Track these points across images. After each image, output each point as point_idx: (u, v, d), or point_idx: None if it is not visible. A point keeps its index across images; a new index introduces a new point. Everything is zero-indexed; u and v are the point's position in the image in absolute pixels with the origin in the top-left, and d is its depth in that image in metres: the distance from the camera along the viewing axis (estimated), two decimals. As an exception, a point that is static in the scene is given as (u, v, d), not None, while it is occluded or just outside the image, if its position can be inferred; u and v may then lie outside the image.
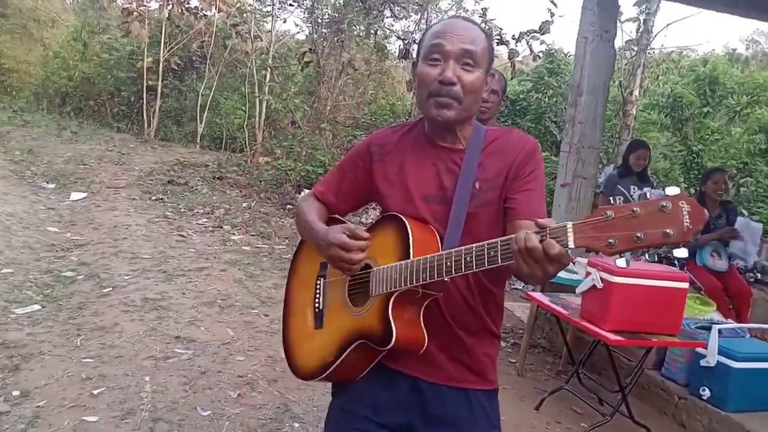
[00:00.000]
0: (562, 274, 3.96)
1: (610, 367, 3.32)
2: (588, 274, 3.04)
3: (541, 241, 1.05)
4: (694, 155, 10.03)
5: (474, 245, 1.17)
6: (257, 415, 2.98)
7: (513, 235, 1.10)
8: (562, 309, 3.27)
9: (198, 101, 12.23)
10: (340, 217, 1.57)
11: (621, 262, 1.01)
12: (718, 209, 4.60)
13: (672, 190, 0.95)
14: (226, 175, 9.38)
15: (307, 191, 7.69)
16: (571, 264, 4.14)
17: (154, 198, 7.67)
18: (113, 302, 4.16)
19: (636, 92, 7.80)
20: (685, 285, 2.94)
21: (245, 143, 11.32)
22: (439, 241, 1.34)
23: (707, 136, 10.37)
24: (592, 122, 4.53)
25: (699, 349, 3.18)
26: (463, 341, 1.39)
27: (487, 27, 9.23)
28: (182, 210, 7.26)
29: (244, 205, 7.93)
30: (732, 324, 3.59)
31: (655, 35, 8.15)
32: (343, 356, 1.39)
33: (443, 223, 1.35)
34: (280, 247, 6.34)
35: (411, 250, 1.29)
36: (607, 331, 2.86)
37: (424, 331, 1.33)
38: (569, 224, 1.04)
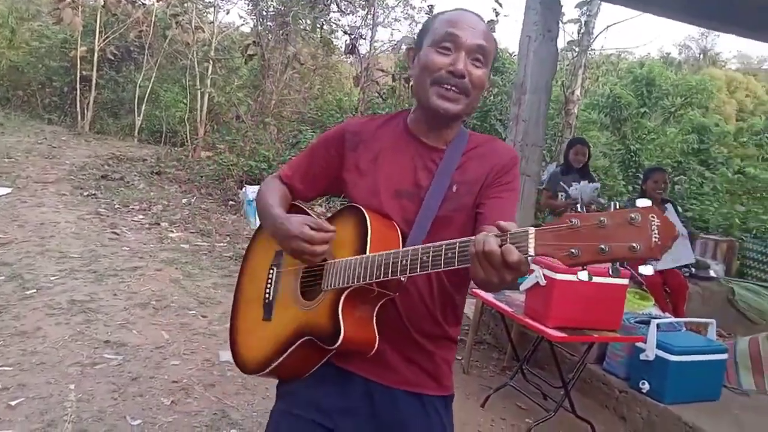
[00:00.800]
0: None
1: (553, 362, 3.33)
2: (531, 271, 3.03)
3: (500, 246, 0.98)
4: (632, 154, 10.38)
5: (432, 245, 1.11)
6: (192, 423, 2.83)
7: (472, 237, 1.04)
8: (506, 306, 3.26)
9: (136, 93, 11.72)
10: (302, 205, 1.51)
11: (647, 270, 0.96)
12: (661, 208, 4.72)
13: (642, 202, 0.90)
14: (165, 170, 9.01)
15: (249, 187, 7.45)
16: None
17: (86, 194, 7.27)
18: (37, 305, 3.88)
19: (577, 92, 7.96)
20: (626, 281, 2.98)
21: (186, 137, 10.92)
22: (401, 240, 1.28)
23: (644, 136, 10.76)
24: (536, 120, 4.56)
25: (639, 344, 3.24)
26: (420, 345, 1.34)
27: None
28: (117, 206, 6.91)
29: (184, 201, 7.63)
30: (669, 318, 3.68)
31: (596, 37, 8.33)
32: (289, 351, 1.31)
33: (411, 222, 1.30)
34: (221, 245, 6.12)
35: (368, 246, 1.23)
36: (550, 328, 2.86)
37: (376, 332, 1.27)
38: (531, 230, 0.97)
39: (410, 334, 1.33)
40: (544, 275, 2.92)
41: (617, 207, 0.92)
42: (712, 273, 5.18)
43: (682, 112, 11.01)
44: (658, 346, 3.18)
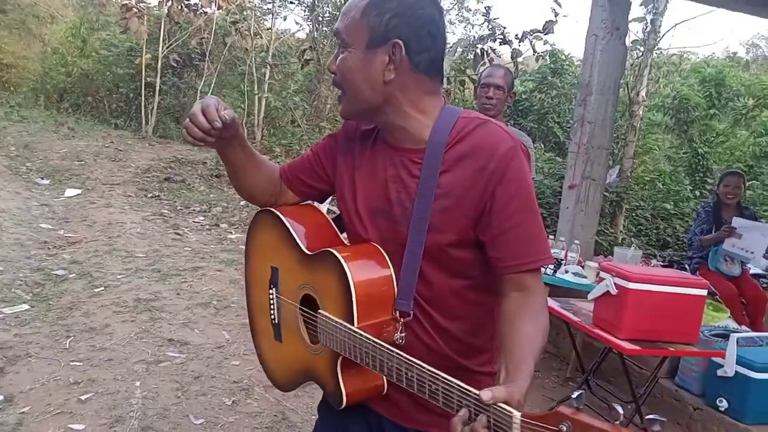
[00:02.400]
0: (570, 278, 3.84)
1: (620, 374, 3.18)
2: (601, 279, 2.89)
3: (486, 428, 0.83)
4: (700, 157, 9.91)
5: (428, 369, 0.94)
6: (253, 424, 2.84)
7: (470, 390, 0.87)
8: (572, 315, 3.12)
9: (197, 98, 12.07)
10: (317, 205, 1.40)
11: None
12: (734, 213, 4.43)
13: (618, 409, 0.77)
14: (224, 173, 9.19)
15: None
16: (579, 268, 4.01)
17: (150, 195, 7.52)
18: (105, 302, 4.01)
19: (642, 93, 7.65)
20: (704, 292, 2.79)
21: (244, 141, 11.17)
22: (395, 289, 1.11)
23: (712, 139, 10.26)
24: (602, 122, 4.39)
25: (716, 359, 3.04)
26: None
27: (489, 26, 9.08)
28: (179, 208, 7.12)
29: (242, 203, 7.77)
30: (750, 332, 3.45)
31: (663, 35, 7.99)
32: (299, 386, 1.33)
33: (390, 243, 1.13)
34: (279, 246, 6.19)
35: (355, 315, 1.07)
36: (622, 340, 2.71)
37: (384, 378, 1.13)
38: (517, 416, 0.80)
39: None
40: (615, 284, 2.78)
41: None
42: (793, 284, 4.85)
43: (754, 113, 10.42)
44: (738, 362, 2.98)
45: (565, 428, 0.76)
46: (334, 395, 1.15)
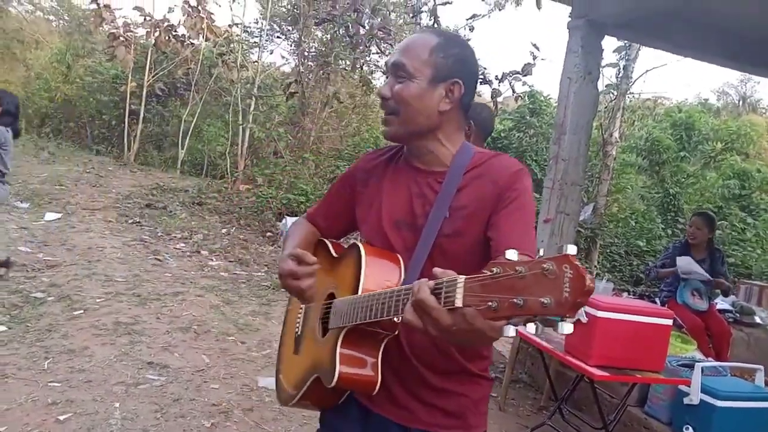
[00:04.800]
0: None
1: (592, 403, 3.27)
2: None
3: (434, 294, 0.92)
4: (671, 197, 10.24)
5: (397, 289, 1.07)
6: (231, 446, 2.86)
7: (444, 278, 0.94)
8: (545, 343, 3.24)
9: (180, 127, 12.17)
10: (327, 240, 1.51)
11: (566, 328, 0.80)
12: (704, 253, 4.63)
13: (571, 249, 0.79)
14: (206, 200, 9.27)
15: (289, 218, 7.59)
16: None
17: (130, 221, 7.53)
18: (84, 325, 4.01)
19: (615, 134, 7.95)
20: (670, 322, 2.94)
21: (227, 170, 11.25)
22: (403, 272, 1.24)
23: (683, 180, 10.62)
24: (575, 160, 4.59)
25: (682, 387, 3.16)
26: (431, 382, 1.28)
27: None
28: (159, 234, 7.13)
29: (224, 231, 7.82)
30: (714, 362, 3.58)
31: (634, 81, 8.36)
32: (304, 389, 1.34)
33: (412, 252, 1.27)
34: (259, 274, 6.23)
35: (361, 285, 1.21)
36: (592, 367, 2.82)
37: (378, 371, 1.22)
38: (461, 279, 0.88)
39: (419, 372, 1.28)
40: (585, 312, 2.91)
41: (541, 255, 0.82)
42: (757, 319, 5.03)
43: (722, 157, 10.86)
44: (704, 391, 3.10)
45: (496, 270, 0.84)
46: (328, 373, 1.21)
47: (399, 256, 1.27)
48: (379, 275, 1.23)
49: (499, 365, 4.79)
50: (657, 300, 4.76)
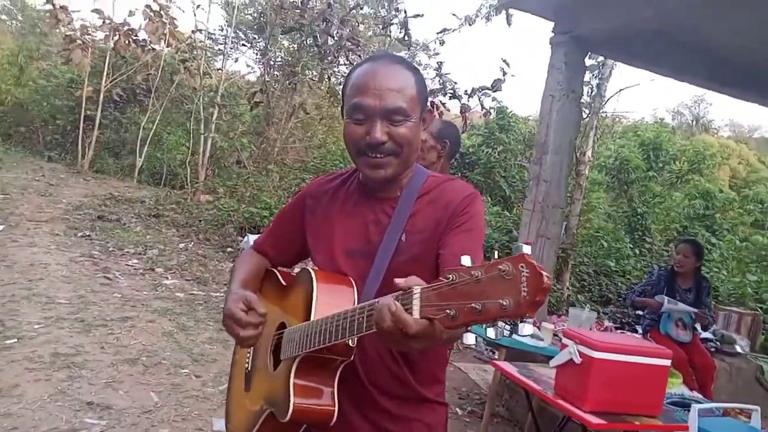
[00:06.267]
0: (528, 340, 3.71)
1: (580, 446, 3.01)
2: (564, 346, 2.76)
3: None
4: (639, 216, 10.23)
5: (351, 309, 1.04)
6: (180, 506, 2.49)
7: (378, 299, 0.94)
8: (533, 383, 2.97)
9: (139, 134, 11.63)
10: (276, 270, 1.46)
11: (525, 329, 0.84)
12: (690, 282, 4.45)
13: (525, 248, 0.78)
14: (164, 212, 8.78)
15: (251, 235, 7.23)
16: (535, 329, 3.89)
17: (80, 234, 7.00)
18: (16, 357, 3.56)
19: (588, 153, 7.87)
20: (668, 362, 2.70)
21: (186, 180, 10.77)
22: (356, 297, 1.20)
23: (650, 199, 10.64)
24: (557, 181, 4.40)
25: (677, 432, 2.94)
26: (387, 409, 1.25)
27: (441, 81, 9.23)
28: (111, 249, 6.63)
29: (181, 246, 7.37)
30: (708, 403, 3.39)
31: (607, 100, 8.31)
32: (257, 427, 1.25)
33: (365, 278, 1.24)
34: (218, 294, 5.82)
35: (313, 311, 1.17)
36: (587, 413, 2.57)
37: (335, 400, 1.17)
38: (417, 289, 0.87)
39: (374, 398, 1.25)
40: (579, 352, 2.65)
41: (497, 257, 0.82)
42: (738, 348, 4.90)
43: (688, 177, 10.95)
44: (700, 434, 2.89)
45: (452, 276, 0.83)
46: (282, 406, 1.15)
47: (351, 279, 1.24)
48: (332, 300, 1.18)
49: (474, 396, 4.52)
50: (639, 328, 4.58)
